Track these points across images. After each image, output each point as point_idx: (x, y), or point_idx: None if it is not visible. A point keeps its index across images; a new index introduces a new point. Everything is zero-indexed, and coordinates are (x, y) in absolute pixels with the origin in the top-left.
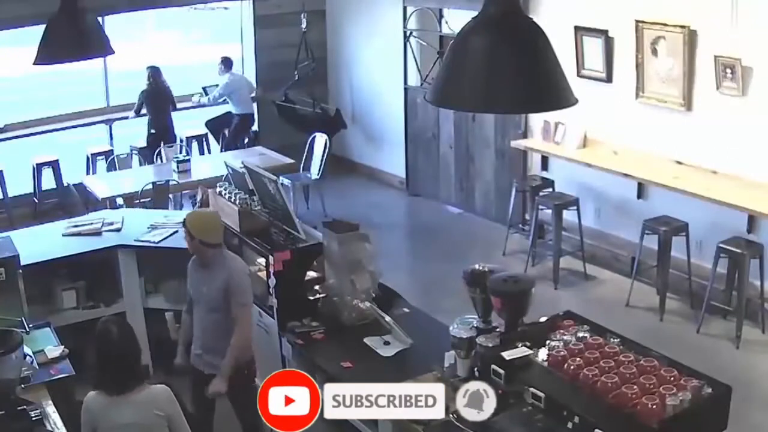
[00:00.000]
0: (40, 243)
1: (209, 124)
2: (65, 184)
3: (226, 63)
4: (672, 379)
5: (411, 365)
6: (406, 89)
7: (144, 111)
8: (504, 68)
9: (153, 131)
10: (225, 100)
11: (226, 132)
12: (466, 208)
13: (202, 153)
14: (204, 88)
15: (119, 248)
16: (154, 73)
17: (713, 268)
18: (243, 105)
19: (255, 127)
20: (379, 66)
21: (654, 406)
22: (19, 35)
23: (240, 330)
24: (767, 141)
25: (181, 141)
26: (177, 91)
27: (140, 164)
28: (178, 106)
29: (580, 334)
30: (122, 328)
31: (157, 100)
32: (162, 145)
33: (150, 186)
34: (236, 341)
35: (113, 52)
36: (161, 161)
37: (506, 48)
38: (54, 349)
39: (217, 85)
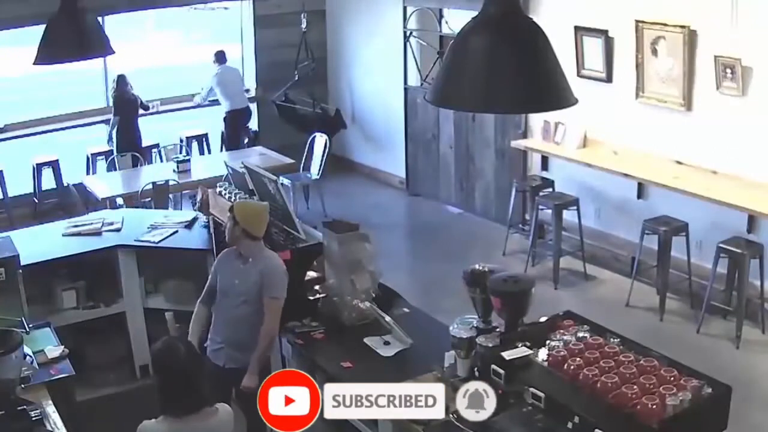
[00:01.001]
0: (40, 243)
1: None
2: (65, 184)
3: (219, 56)
4: (672, 379)
5: (411, 365)
6: (406, 89)
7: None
8: (504, 68)
9: (119, 140)
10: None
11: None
12: (466, 208)
13: (202, 153)
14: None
15: (119, 248)
16: (120, 81)
17: (713, 268)
18: (235, 99)
19: (255, 126)
20: (379, 66)
21: (654, 406)
22: (19, 35)
23: (269, 323)
24: (767, 141)
25: (181, 141)
26: (176, 91)
27: (140, 164)
28: (178, 106)
29: (580, 334)
30: (188, 345)
31: (124, 108)
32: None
33: (150, 186)
34: (265, 334)
35: (113, 52)
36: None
37: (506, 48)
38: (54, 349)
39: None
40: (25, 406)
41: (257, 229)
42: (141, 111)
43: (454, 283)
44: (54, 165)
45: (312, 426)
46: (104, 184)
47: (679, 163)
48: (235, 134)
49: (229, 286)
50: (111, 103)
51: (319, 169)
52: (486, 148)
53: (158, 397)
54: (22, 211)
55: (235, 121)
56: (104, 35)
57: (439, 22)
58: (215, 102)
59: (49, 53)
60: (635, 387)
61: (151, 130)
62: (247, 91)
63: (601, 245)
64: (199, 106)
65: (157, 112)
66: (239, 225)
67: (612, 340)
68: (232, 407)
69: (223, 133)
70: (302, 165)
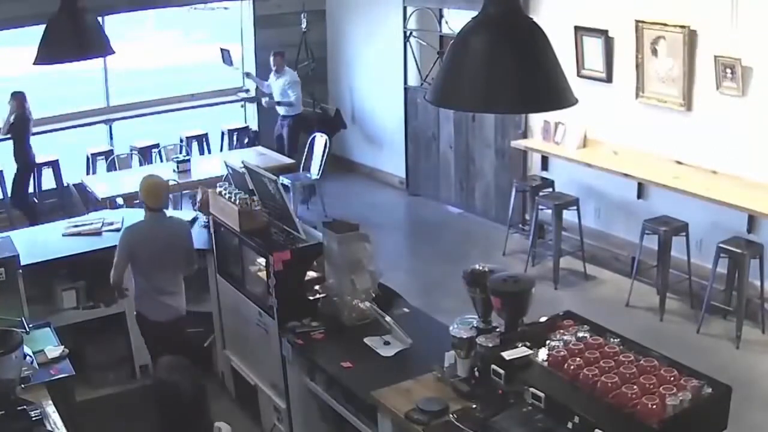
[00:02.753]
0: (40, 243)
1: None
2: (65, 184)
3: (282, 58)
4: (672, 379)
5: (411, 365)
6: (406, 89)
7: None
8: (504, 68)
9: (20, 163)
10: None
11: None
12: (466, 208)
13: (201, 153)
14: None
15: None
16: (19, 98)
17: (713, 268)
18: (300, 103)
19: (255, 126)
20: (379, 66)
21: (654, 406)
22: (19, 35)
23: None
24: (767, 141)
25: (181, 141)
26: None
27: (140, 164)
28: (179, 106)
29: (580, 334)
30: (190, 375)
31: (22, 128)
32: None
33: None
34: None
35: (113, 52)
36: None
37: (506, 48)
38: (54, 349)
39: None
40: (25, 406)
41: (153, 202)
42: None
43: (454, 283)
44: (54, 165)
45: (312, 426)
46: (104, 184)
47: (679, 163)
48: (296, 138)
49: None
50: (7, 124)
51: (319, 169)
52: (486, 148)
53: (157, 422)
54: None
55: (299, 125)
56: (104, 35)
57: (439, 22)
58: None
59: (49, 53)
60: (635, 387)
61: (151, 130)
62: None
63: (601, 245)
64: (278, 104)
65: (52, 131)
66: (140, 197)
67: (612, 340)
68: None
69: (283, 137)
70: (302, 165)
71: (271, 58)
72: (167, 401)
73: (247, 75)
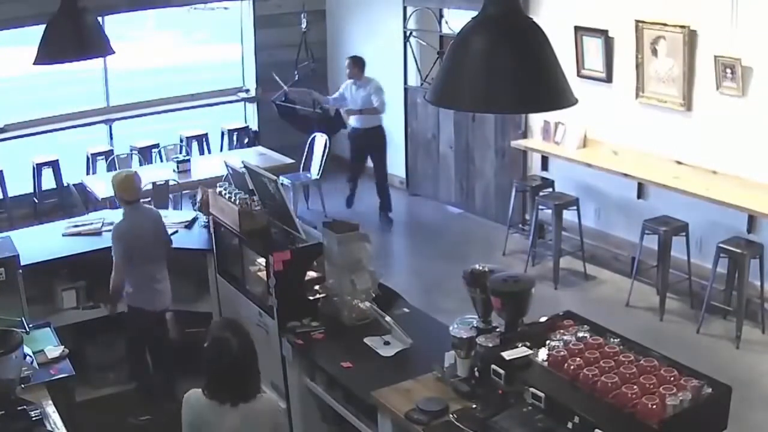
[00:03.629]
0: (40, 243)
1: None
2: (65, 184)
3: (358, 67)
4: (672, 379)
5: (411, 365)
6: (406, 89)
7: None
8: (504, 68)
9: None
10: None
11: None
12: (466, 208)
13: (201, 153)
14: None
15: None
16: None
17: (713, 268)
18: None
19: (255, 126)
20: (379, 66)
21: (654, 406)
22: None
23: None
24: (767, 141)
25: (181, 141)
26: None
27: (140, 164)
28: (179, 106)
29: (580, 334)
30: (242, 337)
31: None
32: None
33: (150, 186)
34: None
35: (113, 52)
36: None
37: (506, 48)
38: (54, 349)
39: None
40: (25, 406)
41: (130, 195)
42: None
43: (454, 283)
44: (54, 165)
45: (311, 425)
46: (104, 184)
47: (679, 163)
48: (384, 155)
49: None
50: None
51: (319, 169)
52: (486, 148)
53: (207, 380)
54: (22, 211)
55: (382, 137)
56: (104, 35)
57: (439, 22)
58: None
59: (49, 53)
60: (635, 387)
61: (151, 130)
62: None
63: (601, 245)
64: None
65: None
66: (116, 195)
67: (612, 340)
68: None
69: (360, 152)
70: (302, 165)
71: (347, 66)
72: (219, 357)
73: (309, 94)
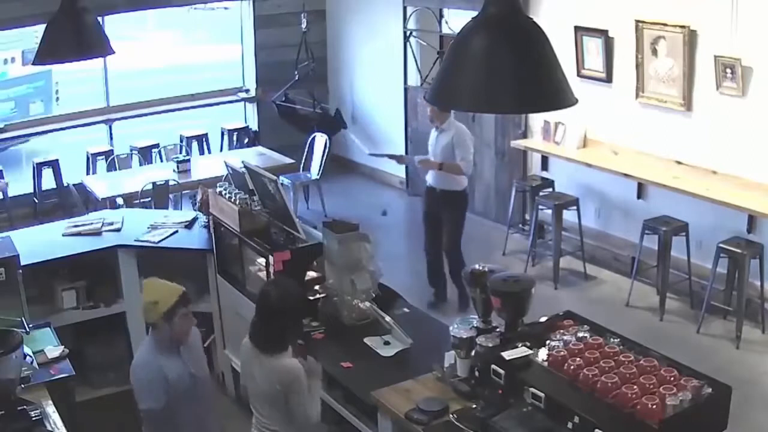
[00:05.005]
0: (40, 243)
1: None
2: (65, 184)
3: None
4: (672, 379)
5: (411, 365)
6: (406, 89)
7: None
8: (504, 68)
9: None
10: None
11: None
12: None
13: (201, 153)
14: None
15: (119, 248)
16: None
17: (713, 268)
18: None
19: (255, 126)
20: (379, 66)
21: (654, 406)
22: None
23: None
24: (767, 141)
25: (181, 141)
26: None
27: (140, 164)
28: (179, 106)
29: (580, 334)
30: (283, 291)
31: None
32: None
33: (150, 186)
34: None
35: (113, 52)
36: None
37: (506, 48)
38: (54, 349)
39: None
40: (25, 406)
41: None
42: None
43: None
44: (54, 165)
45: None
46: (104, 184)
47: (679, 163)
48: (436, 222)
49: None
50: None
51: (319, 169)
52: (486, 148)
53: (254, 328)
54: (22, 211)
55: (448, 205)
56: (104, 35)
57: (439, 22)
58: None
59: (49, 53)
60: (635, 387)
61: (151, 130)
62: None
63: (601, 245)
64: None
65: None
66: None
67: (612, 340)
68: None
69: (436, 218)
70: (302, 165)
71: (428, 108)
72: (257, 304)
73: (391, 156)
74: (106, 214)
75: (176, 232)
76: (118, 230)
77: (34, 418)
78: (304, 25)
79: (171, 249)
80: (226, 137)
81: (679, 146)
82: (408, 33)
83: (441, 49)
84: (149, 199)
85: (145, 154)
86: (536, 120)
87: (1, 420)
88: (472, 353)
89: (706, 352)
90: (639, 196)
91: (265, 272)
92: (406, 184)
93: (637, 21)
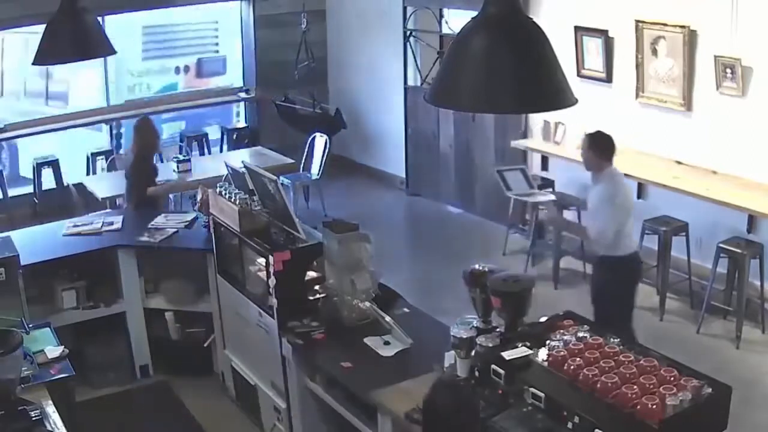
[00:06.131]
0: (40, 243)
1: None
2: (65, 184)
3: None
4: (672, 379)
5: (411, 365)
6: (406, 89)
7: None
8: (504, 68)
9: None
10: None
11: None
12: (466, 208)
13: (202, 153)
14: None
15: (119, 248)
16: None
17: (713, 268)
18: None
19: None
20: (379, 66)
21: (654, 406)
22: None
23: None
24: (767, 141)
25: (181, 141)
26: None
27: None
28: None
29: (580, 334)
30: (454, 402)
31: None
32: None
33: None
34: None
35: (114, 52)
36: None
37: (506, 48)
38: (54, 349)
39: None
40: (25, 406)
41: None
42: None
43: (454, 283)
44: (54, 165)
45: (311, 425)
46: (104, 184)
47: (679, 163)
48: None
49: None
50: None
51: (319, 169)
52: (486, 148)
53: None
54: (22, 211)
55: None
56: (104, 35)
57: (439, 22)
58: None
59: (49, 53)
60: (635, 387)
61: None
62: None
63: None
64: None
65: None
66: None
67: (612, 340)
68: None
69: (601, 292)
70: (302, 165)
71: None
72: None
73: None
74: (106, 214)
75: (176, 232)
76: (118, 230)
77: (34, 418)
78: (304, 25)
79: (171, 249)
80: (226, 137)
81: (679, 146)
82: (408, 33)
83: (441, 49)
84: None
85: None
86: (536, 120)
87: (1, 420)
88: (472, 353)
89: (706, 352)
90: (639, 196)
91: (265, 272)
92: (406, 184)
93: (637, 21)
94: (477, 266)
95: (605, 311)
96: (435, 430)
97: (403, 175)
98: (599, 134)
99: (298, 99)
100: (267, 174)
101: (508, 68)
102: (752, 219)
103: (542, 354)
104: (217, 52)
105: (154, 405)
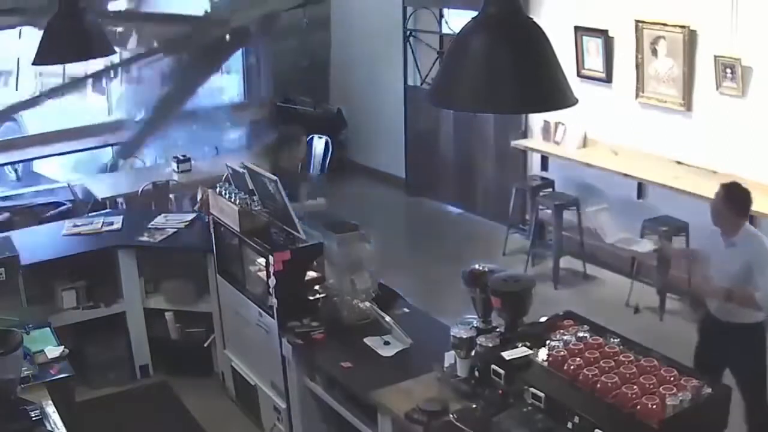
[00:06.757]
0: (40, 243)
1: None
2: (65, 184)
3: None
4: (672, 379)
5: (411, 365)
6: (406, 89)
7: None
8: (504, 68)
9: None
10: None
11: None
12: (466, 208)
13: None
14: None
15: (119, 248)
16: None
17: None
18: None
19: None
20: (379, 66)
21: (654, 406)
22: None
23: None
24: (767, 141)
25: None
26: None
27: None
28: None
29: (580, 334)
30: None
31: None
32: None
33: (150, 186)
34: None
35: (114, 52)
36: None
37: (506, 48)
38: (54, 349)
39: None
40: (25, 406)
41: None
42: None
43: (454, 283)
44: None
45: (312, 426)
46: (104, 184)
47: (679, 163)
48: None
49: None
50: None
51: (320, 170)
52: (486, 148)
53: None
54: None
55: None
56: (104, 35)
57: (439, 22)
58: None
59: (49, 53)
60: (635, 387)
61: None
62: None
63: (601, 245)
64: None
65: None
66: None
67: (612, 340)
68: None
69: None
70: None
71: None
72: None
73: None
74: (106, 214)
75: (176, 232)
76: (118, 230)
77: (34, 418)
78: (304, 26)
79: (171, 249)
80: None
81: (679, 146)
82: (408, 33)
83: (441, 49)
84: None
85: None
86: (536, 120)
87: (1, 420)
88: (472, 353)
89: None
90: (639, 196)
91: (265, 272)
92: (406, 184)
93: (637, 21)
94: (477, 266)
95: (757, 388)
96: None
97: (403, 175)
98: (736, 188)
99: (298, 99)
100: (267, 174)
101: (508, 68)
102: (752, 219)
103: (542, 354)
104: None
105: (154, 405)
